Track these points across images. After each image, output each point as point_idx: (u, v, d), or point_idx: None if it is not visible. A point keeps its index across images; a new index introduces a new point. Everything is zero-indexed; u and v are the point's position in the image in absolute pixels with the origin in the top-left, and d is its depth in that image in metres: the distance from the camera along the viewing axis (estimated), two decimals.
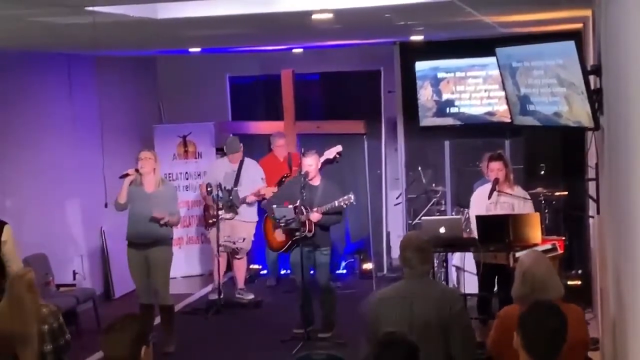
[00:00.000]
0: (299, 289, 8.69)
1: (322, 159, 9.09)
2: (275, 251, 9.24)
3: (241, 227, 10.25)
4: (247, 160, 10.38)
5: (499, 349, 4.52)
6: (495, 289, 8.21)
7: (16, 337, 5.57)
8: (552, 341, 3.66)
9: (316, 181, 8.59)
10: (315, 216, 8.38)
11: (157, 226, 8.30)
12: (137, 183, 8.36)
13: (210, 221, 10.14)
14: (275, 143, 10.90)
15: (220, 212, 9.93)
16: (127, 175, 8.32)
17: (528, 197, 8.25)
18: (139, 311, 8.34)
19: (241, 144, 10.40)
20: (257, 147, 11.28)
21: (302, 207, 8.37)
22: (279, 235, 8.72)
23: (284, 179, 10.23)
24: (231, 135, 11.31)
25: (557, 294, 4.43)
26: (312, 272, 8.79)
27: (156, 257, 8.34)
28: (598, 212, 5.82)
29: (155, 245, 8.31)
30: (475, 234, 7.85)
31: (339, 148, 9.37)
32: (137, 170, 8.32)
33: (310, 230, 8.40)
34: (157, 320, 8.67)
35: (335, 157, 9.32)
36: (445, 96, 10.55)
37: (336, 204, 8.35)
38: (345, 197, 8.35)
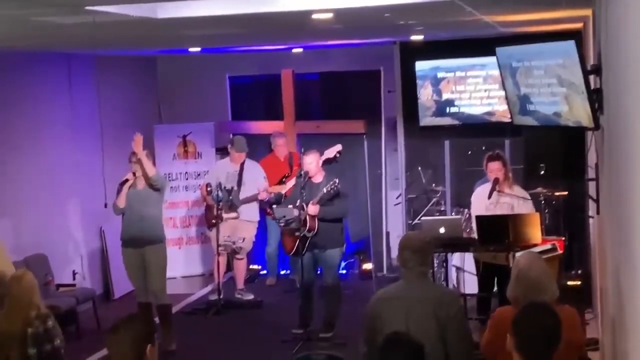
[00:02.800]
0: (300, 289, 8.67)
1: (323, 158, 9.09)
2: (288, 254, 9.15)
3: (242, 226, 10.25)
4: (248, 162, 10.39)
5: (492, 350, 4.51)
6: (495, 289, 8.20)
7: (7, 338, 5.55)
8: (545, 342, 3.64)
9: (318, 178, 8.57)
10: (312, 208, 8.35)
11: (150, 225, 8.37)
12: (134, 186, 8.45)
13: (213, 221, 10.14)
14: (276, 142, 10.90)
15: (220, 212, 9.93)
16: (126, 181, 8.41)
17: (528, 197, 8.25)
18: (137, 310, 8.37)
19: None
20: (257, 147, 11.26)
21: (303, 205, 8.36)
22: (290, 238, 8.66)
23: (284, 179, 10.23)
24: (232, 135, 11.30)
25: (551, 296, 4.39)
26: (319, 272, 8.76)
27: (151, 257, 8.39)
28: (598, 212, 5.82)
29: (149, 244, 8.36)
30: (475, 234, 7.85)
31: (338, 147, 9.37)
32: (134, 174, 8.40)
33: (311, 228, 8.38)
34: (156, 320, 8.69)
35: (335, 157, 9.32)
36: (445, 96, 10.55)
37: (324, 191, 8.34)
38: (331, 183, 8.34)
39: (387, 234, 11.52)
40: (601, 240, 5.97)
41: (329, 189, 8.33)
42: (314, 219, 8.39)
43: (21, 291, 5.65)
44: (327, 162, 9.19)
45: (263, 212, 10.48)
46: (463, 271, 8.97)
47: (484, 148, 8.72)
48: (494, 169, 8.13)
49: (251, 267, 11.26)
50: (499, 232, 7.42)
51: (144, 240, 8.35)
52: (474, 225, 7.99)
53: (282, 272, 11.26)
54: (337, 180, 8.34)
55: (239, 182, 10.23)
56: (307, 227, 8.37)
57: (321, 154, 8.98)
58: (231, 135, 11.25)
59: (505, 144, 10.39)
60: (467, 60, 10.44)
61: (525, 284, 4.44)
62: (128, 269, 8.56)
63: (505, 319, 3.90)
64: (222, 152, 11.36)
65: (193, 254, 11.78)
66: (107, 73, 11.01)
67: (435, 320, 4.61)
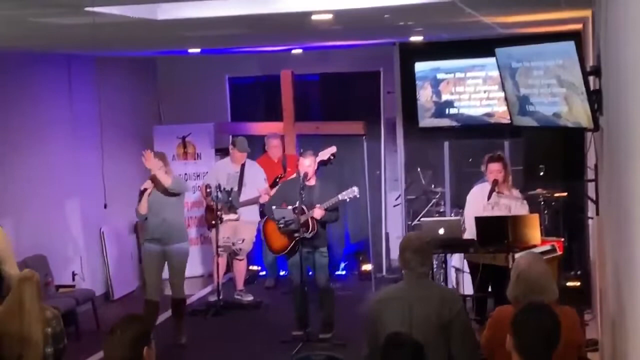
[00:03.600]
0: (296, 290, 8.67)
1: (317, 160, 9.07)
2: (276, 254, 9.20)
3: (243, 227, 10.25)
4: (249, 162, 10.39)
5: (491, 347, 4.53)
6: (490, 289, 8.20)
7: (23, 339, 5.57)
8: (544, 342, 3.65)
9: (312, 181, 8.58)
10: (318, 212, 8.35)
11: (171, 228, 8.55)
12: (154, 191, 8.59)
13: (213, 222, 10.13)
14: (270, 144, 10.89)
15: (219, 213, 9.92)
16: (145, 190, 8.56)
17: (524, 199, 8.28)
18: (144, 306, 8.47)
19: None
20: (257, 148, 11.25)
21: (302, 208, 8.37)
22: (280, 238, 8.68)
23: (277, 180, 10.21)
24: (231, 136, 11.29)
25: (551, 297, 4.40)
26: (310, 273, 8.79)
27: (173, 255, 8.60)
28: (597, 213, 5.83)
29: (174, 242, 8.57)
30: (469, 233, 7.85)
31: (333, 149, 9.35)
32: (152, 180, 8.54)
33: (312, 230, 8.39)
34: (160, 318, 8.72)
35: (329, 159, 9.30)
36: (445, 97, 10.56)
37: (340, 198, 8.35)
38: (349, 190, 8.36)
39: (387, 235, 11.52)
40: (601, 241, 5.97)
41: (345, 197, 8.35)
42: (315, 222, 8.42)
43: (34, 292, 5.67)
44: (322, 164, 9.18)
45: (263, 214, 10.47)
46: (462, 272, 8.97)
47: (483, 151, 8.73)
48: (494, 170, 8.13)
49: (250, 268, 11.25)
50: (498, 233, 7.43)
51: (166, 242, 8.57)
52: (467, 224, 8.00)
53: (282, 274, 11.25)
54: (356, 189, 8.37)
55: (240, 184, 10.23)
56: (310, 229, 8.39)
57: (316, 155, 8.98)
58: (231, 137, 11.24)
59: (505, 145, 10.38)
60: (466, 61, 10.45)
61: (526, 284, 4.45)
62: (146, 264, 8.75)
63: (505, 318, 3.91)
64: (221, 153, 11.36)
65: (193, 255, 11.69)
66: (107, 73, 11.01)
67: (437, 320, 4.62)
